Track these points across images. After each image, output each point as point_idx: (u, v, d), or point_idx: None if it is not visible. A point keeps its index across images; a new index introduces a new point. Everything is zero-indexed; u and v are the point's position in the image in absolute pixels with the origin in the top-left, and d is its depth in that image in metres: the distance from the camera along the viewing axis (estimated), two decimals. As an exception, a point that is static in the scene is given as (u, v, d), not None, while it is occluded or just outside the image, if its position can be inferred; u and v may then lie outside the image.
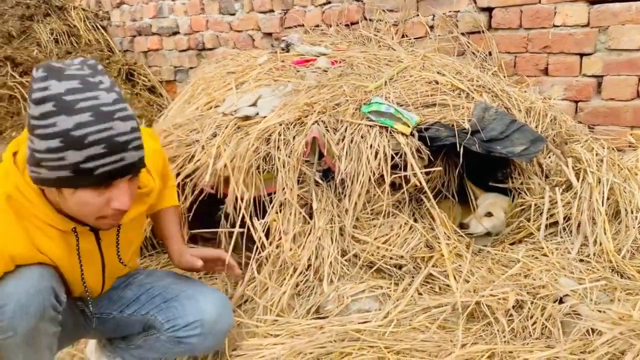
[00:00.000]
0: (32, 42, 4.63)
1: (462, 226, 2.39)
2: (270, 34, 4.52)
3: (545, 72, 3.30)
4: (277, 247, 2.20)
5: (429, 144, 2.33)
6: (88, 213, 1.41)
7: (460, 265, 2.19)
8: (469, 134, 2.38)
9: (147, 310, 1.78)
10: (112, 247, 1.65)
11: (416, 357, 1.74)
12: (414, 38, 3.74)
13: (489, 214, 2.43)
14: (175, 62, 5.34)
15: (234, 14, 4.72)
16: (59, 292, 1.49)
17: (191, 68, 5.22)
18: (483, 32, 3.45)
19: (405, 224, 2.27)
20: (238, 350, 1.96)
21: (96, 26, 5.57)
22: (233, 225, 2.31)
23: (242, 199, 2.33)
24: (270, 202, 2.32)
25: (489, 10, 3.43)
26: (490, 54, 3.46)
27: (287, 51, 3.36)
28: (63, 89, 1.26)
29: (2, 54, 4.06)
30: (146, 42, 5.51)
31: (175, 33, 5.22)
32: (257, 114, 2.50)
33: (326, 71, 2.94)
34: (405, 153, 2.27)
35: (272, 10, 4.45)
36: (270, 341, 1.95)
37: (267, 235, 2.27)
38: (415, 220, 2.34)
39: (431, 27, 3.67)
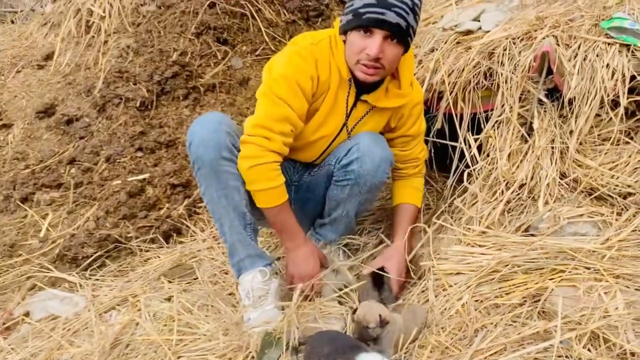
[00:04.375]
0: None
1: None
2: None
3: None
4: (490, 163, 2.21)
5: (678, 66, 2.08)
6: (352, 53, 1.91)
7: (697, 204, 1.97)
8: None
9: (324, 161, 2.18)
10: (353, 123, 2.11)
11: (639, 283, 1.65)
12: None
13: None
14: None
15: None
16: (234, 138, 1.93)
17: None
18: None
19: (637, 152, 2.09)
20: (443, 254, 2.06)
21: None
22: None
23: (456, 115, 2.36)
24: (486, 119, 2.30)
25: None
26: None
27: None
28: None
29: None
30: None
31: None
32: (480, 28, 2.45)
33: (556, -13, 2.72)
34: (647, 74, 2.06)
35: None
36: (477, 250, 2.01)
37: (479, 152, 2.28)
38: (648, 151, 2.14)
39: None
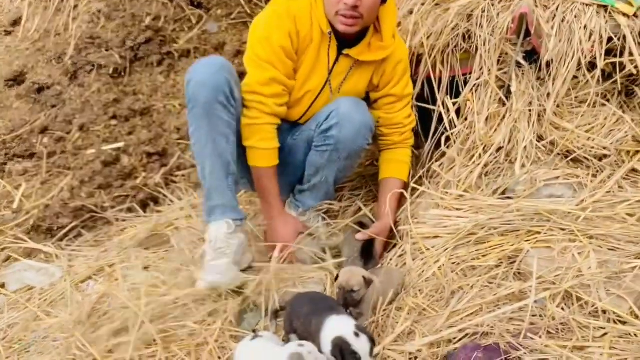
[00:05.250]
0: None
1: None
2: None
3: None
4: (468, 126, 2.20)
5: (655, 27, 2.07)
6: (331, 5, 1.92)
7: (671, 165, 2.00)
8: None
9: (305, 125, 2.19)
10: (336, 80, 2.12)
11: (611, 243, 1.68)
12: None
13: None
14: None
15: None
16: (233, 87, 1.94)
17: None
18: None
19: (613, 114, 2.11)
20: (420, 219, 2.07)
21: None
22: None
23: (435, 78, 2.34)
24: (465, 83, 2.29)
25: None
26: None
27: None
28: None
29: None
30: None
31: None
32: (459, -10, 2.40)
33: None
34: (624, 36, 2.05)
35: None
36: (454, 214, 2.02)
37: (458, 116, 2.28)
38: (624, 113, 2.15)
39: None
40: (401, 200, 2.22)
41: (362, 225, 2.13)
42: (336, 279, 1.77)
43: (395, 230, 2.11)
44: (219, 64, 1.95)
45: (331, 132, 2.04)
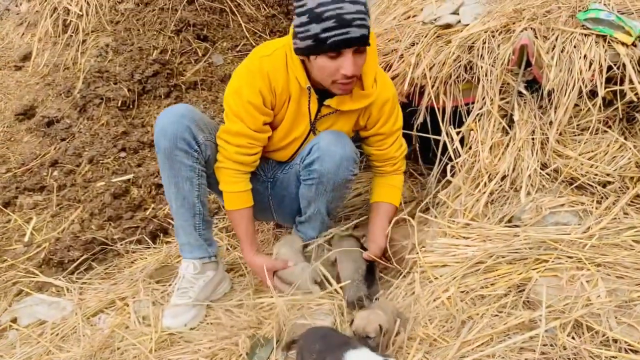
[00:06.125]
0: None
1: None
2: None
3: None
4: (473, 155, 2.23)
5: (653, 55, 2.11)
6: (326, 76, 1.89)
7: (675, 190, 2.02)
8: None
9: (293, 162, 2.23)
10: (321, 126, 2.13)
11: (619, 271, 1.70)
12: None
13: None
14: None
15: None
16: (195, 132, 2.01)
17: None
18: None
19: (615, 141, 2.13)
20: (428, 247, 2.09)
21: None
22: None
23: (438, 108, 2.38)
24: (468, 112, 2.33)
25: None
26: None
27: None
28: None
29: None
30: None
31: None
32: (459, 21, 2.46)
33: (534, -22, 2.74)
34: (624, 64, 2.09)
35: None
36: (462, 242, 2.04)
37: (461, 145, 2.31)
38: (626, 139, 2.18)
39: None
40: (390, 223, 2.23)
41: (354, 239, 2.18)
42: (351, 323, 1.76)
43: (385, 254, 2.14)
44: (179, 113, 2.02)
45: (313, 166, 2.07)
